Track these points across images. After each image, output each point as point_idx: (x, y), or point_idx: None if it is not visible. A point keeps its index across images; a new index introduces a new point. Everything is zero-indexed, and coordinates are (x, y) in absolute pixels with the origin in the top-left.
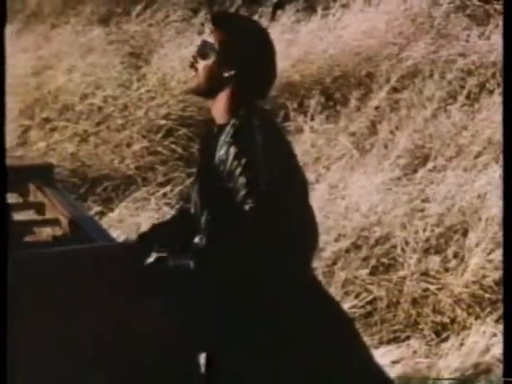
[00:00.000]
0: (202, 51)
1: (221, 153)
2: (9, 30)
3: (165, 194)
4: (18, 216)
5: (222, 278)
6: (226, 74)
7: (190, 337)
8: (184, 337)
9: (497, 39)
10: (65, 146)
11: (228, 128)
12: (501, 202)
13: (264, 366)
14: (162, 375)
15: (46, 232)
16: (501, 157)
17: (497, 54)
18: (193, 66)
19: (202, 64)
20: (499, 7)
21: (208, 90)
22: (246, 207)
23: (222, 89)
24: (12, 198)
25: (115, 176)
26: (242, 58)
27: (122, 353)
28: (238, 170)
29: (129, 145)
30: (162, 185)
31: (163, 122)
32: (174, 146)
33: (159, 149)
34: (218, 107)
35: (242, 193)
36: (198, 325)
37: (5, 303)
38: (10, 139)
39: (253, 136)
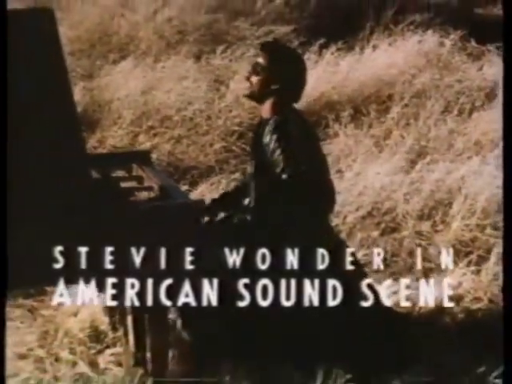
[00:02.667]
0: (255, 69)
1: (266, 139)
2: (126, 63)
3: (234, 179)
4: (124, 184)
5: (267, 226)
6: (273, 87)
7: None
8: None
9: (487, 70)
10: (164, 146)
11: (271, 121)
12: (483, 188)
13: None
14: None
15: (144, 195)
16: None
17: (486, 81)
18: (248, 79)
19: (255, 79)
20: (492, 48)
21: (259, 97)
22: (283, 176)
23: (269, 97)
24: (120, 173)
25: (200, 167)
26: (284, 75)
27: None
28: (278, 151)
29: (211, 145)
30: (232, 172)
31: (236, 128)
32: (243, 146)
33: (233, 147)
34: (266, 108)
35: (280, 167)
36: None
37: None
38: (124, 141)
39: (288, 127)
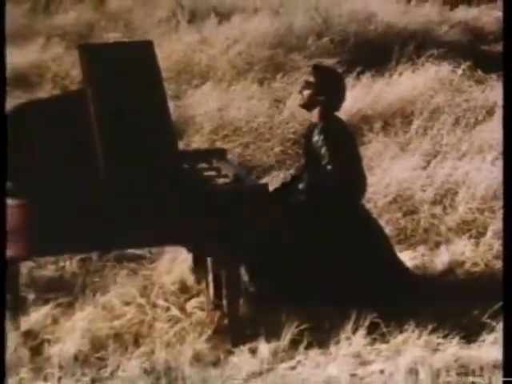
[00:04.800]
0: (306, 85)
1: (315, 138)
2: (206, 87)
3: (290, 173)
4: (207, 173)
5: (317, 205)
6: (319, 98)
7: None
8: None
9: (489, 93)
10: (235, 150)
11: (319, 125)
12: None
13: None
14: None
15: (221, 181)
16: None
17: (487, 101)
18: (301, 92)
19: (306, 92)
20: (493, 76)
21: (309, 106)
22: (328, 167)
23: (316, 106)
24: (203, 165)
25: (263, 166)
26: (328, 89)
27: None
28: (324, 148)
29: (272, 149)
30: (288, 169)
31: (291, 136)
32: (297, 150)
33: (289, 151)
34: (314, 115)
35: (326, 160)
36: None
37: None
38: (204, 146)
39: (331, 129)
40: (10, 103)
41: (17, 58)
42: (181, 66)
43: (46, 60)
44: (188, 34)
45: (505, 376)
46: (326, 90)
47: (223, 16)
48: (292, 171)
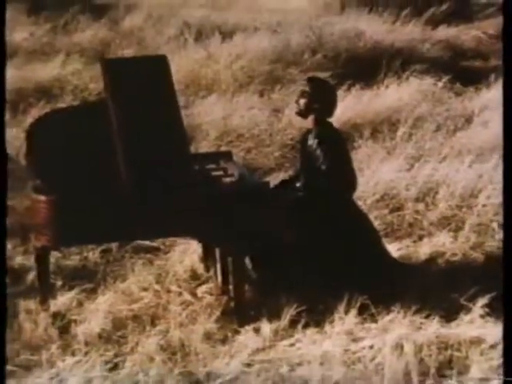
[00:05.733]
0: (302, 95)
1: (310, 142)
2: (211, 98)
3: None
4: (215, 173)
5: (313, 201)
6: (314, 106)
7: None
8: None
9: (467, 103)
10: (239, 154)
11: (314, 131)
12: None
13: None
14: None
15: (228, 179)
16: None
17: (466, 110)
18: (297, 102)
19: (302, 101)
20: (471, 88)
21: (304, 114)
22: (323, 167)
23: (311, 113)
24: (211, 166)
25: (264, 168)
26: (321, 98)
27: None
28: (318, 150)
29: (272, 153)
30: (286, 171)
31: (289, 142)
32: (295, 154)
33: (287, 155)
34: (309, 121)
35: (320, 161)
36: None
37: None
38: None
39: (325, 134)
40: (35, 113)
41: (40, 72)
42: (189, 80)
43: (66, 74)
44: (195, 51)
45: (505, 376)
46: (319, 99)
47: (226, 34)
48: (290, 172)
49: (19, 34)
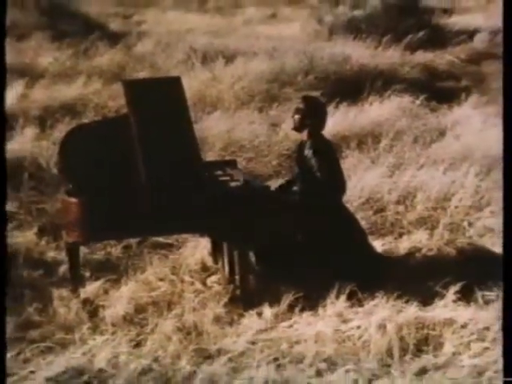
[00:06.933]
0: (297, 111)
1: (305, 153)
2: (216, 114)
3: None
4: (222, 178)
5: (308, 204)
6: (308, 122)
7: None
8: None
9: (442, 119)
10: (241, 163)
11: (308, 142)
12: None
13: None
14: None
15: (234, 184)
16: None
17: (440, 125)
18: (293, 117)
19: (296, 117)
20: (445, 105)
21: (300, 128)
22: (317, 174)
23: (306, 127)
24: (219, 172)
25: (264, 176)
26: (314, 114)
27: None
28: (313, 160)
29: (270, 162)
30: (284, 176)
31: (286, 152)
32: (290, 163)
33: (284, 164)
34: (304, 135)
35: (315, 169)
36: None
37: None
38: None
39: (318, 145)
40: (61, 128)
41: (65, 92)
42: (196, 98)
43: (88, 93)
44: (201, 73)
45: (505, 376)
46: (313, 115)
47: (229, 58)
48: (286, 178)
49: (45, 58)
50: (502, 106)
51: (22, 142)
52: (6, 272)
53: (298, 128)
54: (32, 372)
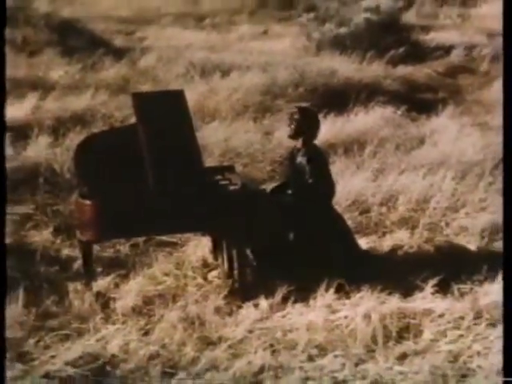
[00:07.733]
0: (293, 121)
1: (299, 159)
2: (214, 123)
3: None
4: (222, 182)
5: (300, 206)
6: (303, 131)
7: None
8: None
9: (421, 128)
10: (238, 168)
11: (302, 150)
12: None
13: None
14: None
15: (232, 187)
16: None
17: (420, 133)
18: (289, 126)
19: (293, 126)
20: (424, 116)
21: (295, 136)
22: (310, 181)
23: (300, 136)
24: (219, 177)
25: (258, 180)
26: (308, 124)
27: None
28: (307, 166)
29: (264, 168)
30: (277, 180)
31: (279, 159)
32: (283, 168)
33: (277, 169)
34: (299, 143)
35: (307, 175)
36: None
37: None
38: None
39: (312, 154)
40: (72, 136)
41: (75, 103)
42: (195, 109)
43: (96, 104)
44: (199, 85)
45: (505, 376)
46: (307, 125)
47: (225, 72)
48: (278, 182)
49: (56, 72)
50: (502, 107)
51: (37, 150)
52: (6, 272)
53: (293, 136)
54: (52, 357)
